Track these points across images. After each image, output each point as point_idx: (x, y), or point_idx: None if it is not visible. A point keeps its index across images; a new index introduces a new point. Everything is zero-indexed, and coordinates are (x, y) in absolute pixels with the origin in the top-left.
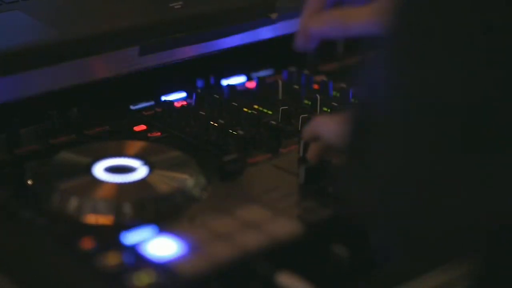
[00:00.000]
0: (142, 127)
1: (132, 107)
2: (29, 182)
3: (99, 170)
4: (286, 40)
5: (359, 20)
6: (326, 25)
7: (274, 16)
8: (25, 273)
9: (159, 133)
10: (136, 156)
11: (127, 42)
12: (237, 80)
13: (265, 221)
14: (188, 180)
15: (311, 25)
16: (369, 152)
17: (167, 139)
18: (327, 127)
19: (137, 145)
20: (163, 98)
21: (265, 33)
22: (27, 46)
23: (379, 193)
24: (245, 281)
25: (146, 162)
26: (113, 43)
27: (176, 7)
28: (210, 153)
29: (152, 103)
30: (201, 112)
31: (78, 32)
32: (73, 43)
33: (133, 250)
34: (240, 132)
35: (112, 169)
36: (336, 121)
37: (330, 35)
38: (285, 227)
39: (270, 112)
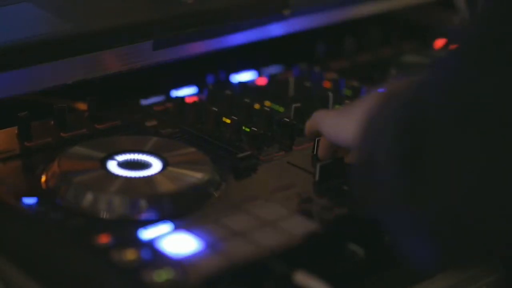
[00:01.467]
0: (154, 122)
1: (143, 102)
2: (42, 175)
3: (113, 165)
4: (297, 36)
5: None
6: None
7: (286, 12)
8: (40, 268)
9: (170, 129)
10: (150, 151)
11: (139, 37)
12: (247, 76)
13: (281, 219)
14: (203, 177)
15: None
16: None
17: (178, 135)
18: (326, 122)
19: (151, 140)
20: (174, 93)
21: (277, 29)
22: (37, 40)
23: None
24: (261, 279)
25: (161, 157)
26: (125, 38)
27: (188, 1)
28: (223, 150)
29: (163, 98)
30: (213, 108)
31: (89, 26)
32: (84, 37)
33: (149, 246)
34: (254, 129)
35: (126, 164)
36: (335, 116)
37: None
38: (301, 225)
39: (281, 109)
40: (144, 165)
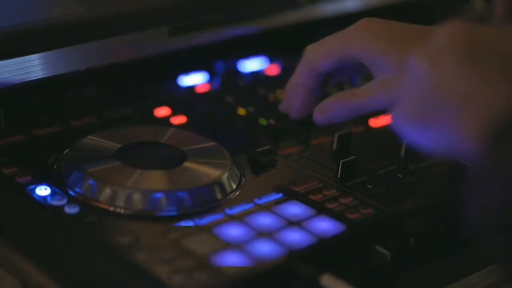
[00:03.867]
0: (165, 111)
1: (154, 90)
2: (54, 166)
3: (130, 157)
4: (310, 25)
5: (363, 98)
6: (331, 111)
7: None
8: (58, 266)
9: (182, 119)
10: (167, 143)
11: (154, 22)
12: (256, 63)
13: (306, 219)
14: (223, 172)
15: (316, 117)
16: None
17: (191, 126)
18: (410, 128)
19: (168, 131)
20: (183, 79)
21: (292, 17)
22: (49, 24)
23: None
24: (287, 281)
25: (179, 150)
26: (140, 23)
27: None
28: (237, 142)
29: (172, 85)
30: (228, 100)
31: (103, 10)
32: (98, 22)
33: (173, 245)
34: (272, 122)
35: (143, 157)
36: (418, 119)
37: (338, 119)
38: (327, 226)
39: None
40: (162, 158)
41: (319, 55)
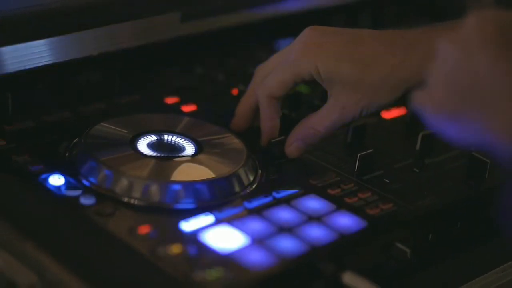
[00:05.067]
0: (174, 98)
1: (164, 77)
2: (66, 154)
3: (144, 146)
4: (320, 11)
5: (328, 121)
6: (303, 143)
7: None
8: (75, 259)
9: (192, 106)
10: (182, 133)
11: (167, 7)
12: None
13: (326, 214)
14: (240, 164)
15: (289, 151)
16: None
17: (201, 114)
18: (440, 119)
19: (182, 120)
20: (194, 67)
21: (302, 4)
22: (61, 8)
23: None
24: (309, 278)
25: (194, 140)
26: (152, 8)
27: None
28: (250, 132)
29: (184, 73)
30: (240, 88)
31: None
32: (111, 5)
33: (193, 240)
34: (286, 111)
35: (157, 146)
36: (446, 108)
37: (309, 148)
38: (347, 221)
39: (304, 88)
40: (177, 148)
41: (273, 86)
